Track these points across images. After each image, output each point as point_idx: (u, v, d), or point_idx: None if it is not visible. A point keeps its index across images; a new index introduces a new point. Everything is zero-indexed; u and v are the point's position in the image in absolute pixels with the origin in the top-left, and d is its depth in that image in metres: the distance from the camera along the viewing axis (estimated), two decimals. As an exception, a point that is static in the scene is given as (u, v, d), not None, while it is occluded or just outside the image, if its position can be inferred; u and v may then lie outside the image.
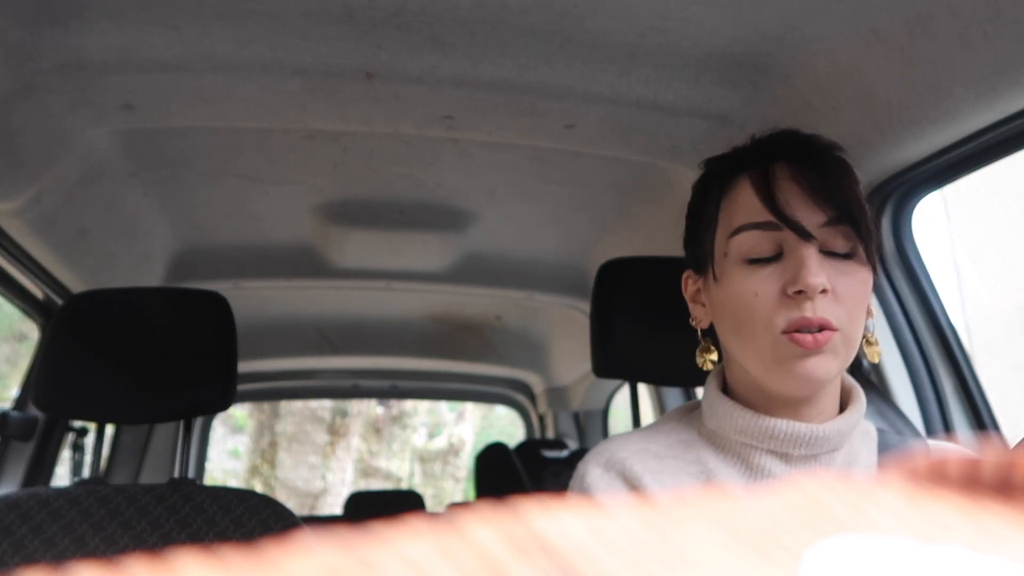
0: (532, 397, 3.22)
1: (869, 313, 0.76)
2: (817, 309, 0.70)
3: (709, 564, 0.17)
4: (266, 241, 1.90)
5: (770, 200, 0.73)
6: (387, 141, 1.45)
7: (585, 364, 2.14)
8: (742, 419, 0.75)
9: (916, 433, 0.85)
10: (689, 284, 0.83)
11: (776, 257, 0.73)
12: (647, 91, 1.19)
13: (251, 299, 2.15)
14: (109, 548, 1.10)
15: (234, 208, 1.73)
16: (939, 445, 0.85)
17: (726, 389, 0.80)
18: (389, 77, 1.16)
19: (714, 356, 0.81)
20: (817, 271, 0.70)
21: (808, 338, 0.70)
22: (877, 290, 1.24)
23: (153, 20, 1.04)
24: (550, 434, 3.14)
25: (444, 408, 8.94)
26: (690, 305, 0.83)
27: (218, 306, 1.24)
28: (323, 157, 1.51)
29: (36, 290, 1.64)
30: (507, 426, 7.99)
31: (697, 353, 0.82)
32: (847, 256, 0.73)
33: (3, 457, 1.66)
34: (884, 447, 0.80)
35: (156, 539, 1.12)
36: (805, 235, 0.71)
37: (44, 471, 1.72)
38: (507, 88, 1.19)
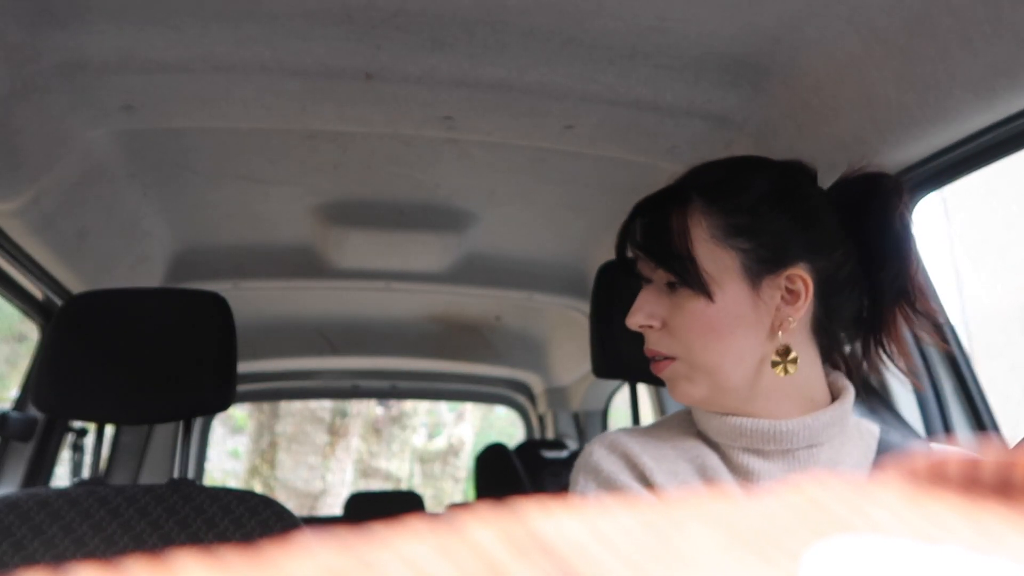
0: (532, 397, 3.22)
1: (781, 324, 0.76)
2: (650, 342, 0.81)
3: (708, 565, 0.17)
4: (266, 241, 1.90)
5: (623, 248, 0.84)
6: (387, 142, 1.45)
7: (585, 364, 2.14)
8: (713, 420, 0.80)
9: (914, 435, 0.85)
10: None
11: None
12: (647, 92, 1.19)
13: (251, 299, 2.15)
14: (109, 549, 1.10)
15: (234, 209, 1.73)
16: (940, 447, 0.85)
17: None
18: (389, 78, 1.16)
19: None
20: (634, 311, 0.81)
21: (653, 364, 0.81)
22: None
23: (153, 21, 1.04)
24: (550, 435, 3.14)
25: (444, 408, 8.94)
26: None
27: (218, 306, 1.24)
28: (323, 158, 1.51)
29: (36, 291, 1.64)
30: (507, 427, 7.99)
31: None
32: (679, 288, 0.79)
33: (3, 457, 1.66)
34: (884, 448, 0.81)
35: (156, 540, 1.12)
36: (637, 279, 0.82)
37: (44, 471, 1.72)
38: (507, 89, 1.19)
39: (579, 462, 0.82)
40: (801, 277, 0.77)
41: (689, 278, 0.77)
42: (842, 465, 0.78)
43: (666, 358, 0.79)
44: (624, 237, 0.85)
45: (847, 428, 0.80)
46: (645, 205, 0.84)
